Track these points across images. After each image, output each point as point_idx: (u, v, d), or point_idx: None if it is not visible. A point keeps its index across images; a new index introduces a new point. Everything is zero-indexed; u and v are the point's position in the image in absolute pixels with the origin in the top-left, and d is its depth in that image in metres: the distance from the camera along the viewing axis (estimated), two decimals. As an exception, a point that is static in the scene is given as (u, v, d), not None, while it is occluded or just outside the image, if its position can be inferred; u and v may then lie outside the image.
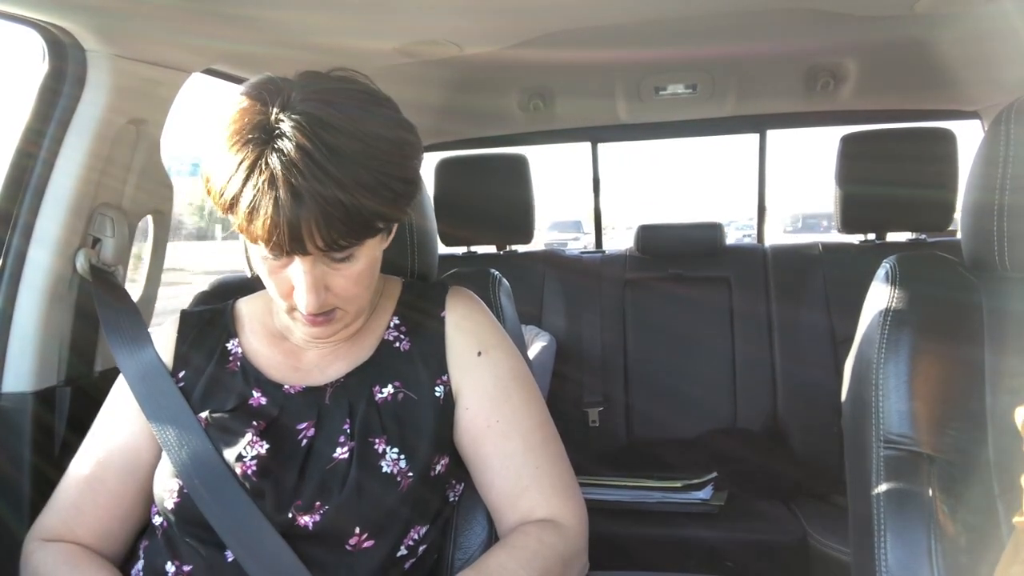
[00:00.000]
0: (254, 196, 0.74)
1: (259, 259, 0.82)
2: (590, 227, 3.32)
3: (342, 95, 0.79)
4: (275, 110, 0.76)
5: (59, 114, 1.14)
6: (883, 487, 0.92)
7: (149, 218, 1.34)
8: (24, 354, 1.14)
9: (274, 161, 0.74)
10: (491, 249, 2.45)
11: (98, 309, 1.09)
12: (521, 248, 2.47)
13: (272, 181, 0.74)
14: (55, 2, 1.03)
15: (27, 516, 1.07)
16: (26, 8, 1.03)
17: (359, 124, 0.77)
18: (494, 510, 0.93)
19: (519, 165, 2.29)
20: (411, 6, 1.30)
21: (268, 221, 0.74)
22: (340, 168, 0.74)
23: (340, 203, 0.74)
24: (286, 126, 0.74)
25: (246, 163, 0.75)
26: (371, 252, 0.85)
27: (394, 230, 0.91)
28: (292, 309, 0.85)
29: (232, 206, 0.77)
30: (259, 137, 0.75)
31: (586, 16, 1.44)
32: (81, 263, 1.17)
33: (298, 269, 0.80)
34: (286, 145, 0.74)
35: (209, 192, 0.79)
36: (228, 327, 0.98)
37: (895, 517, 0.91)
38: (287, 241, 0.75)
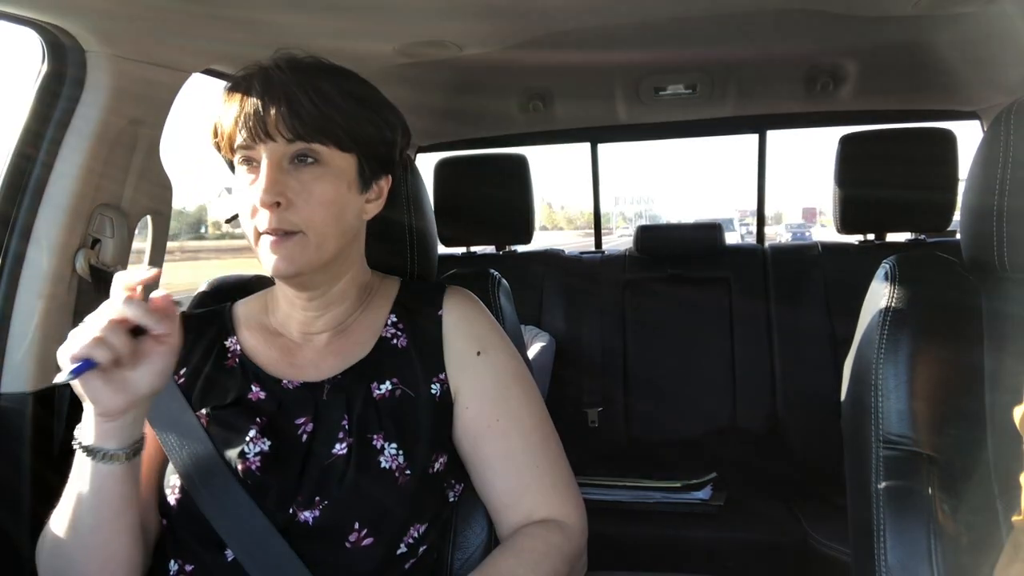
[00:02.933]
0: (235, 97, 0.85)
1: (237, 191, 0.88)
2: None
3: (337, 70, 0.90)
4: (271, 60, 0.87)
5: (58, 115, 1.14)
6: (883, 487, 0.92)
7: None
8: (23, 354, 1.14)
9: (260, 72, 0.86)
10: (490, 249, 2.45)
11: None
12: (520, 248, 2.47)
13: (249, 80, 0.85)
14: (55, 3, 1.03)
15: (26, 516, 1.07)
16: (26, 8, 1.03)
17: (347, 85, 0.88)
18: (494, 510, 0.93)
19: (519, 165, 2.29)
20: (411, 7, 1.30)
21: (239, 109, 0.84)
22: (317, 82, 0.85)
23: (309, 100, 0.83)
24: (281, 58, 0.87)
25: (238, 81, 0.87)
26: (338, 177, 0.87)
27: (373, 200, 0.94)
28: (259, 235, 0.86)
29: (217, 129, 0.88)
30: (254, 67, 0.87)
31: (586, 17, 1.44)
32: (80, 264, 1.17)
33: (262, 170, 0.84)
34: (274, 65, 0.86)
35: (212, 137, 0.90)
36: (226, 325, 0.98)
37: (895, 517, 0.91)
38: (254, 127, 0.83)
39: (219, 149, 0.90)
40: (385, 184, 0.95)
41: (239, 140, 0.85)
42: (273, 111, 0.83)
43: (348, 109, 0.86)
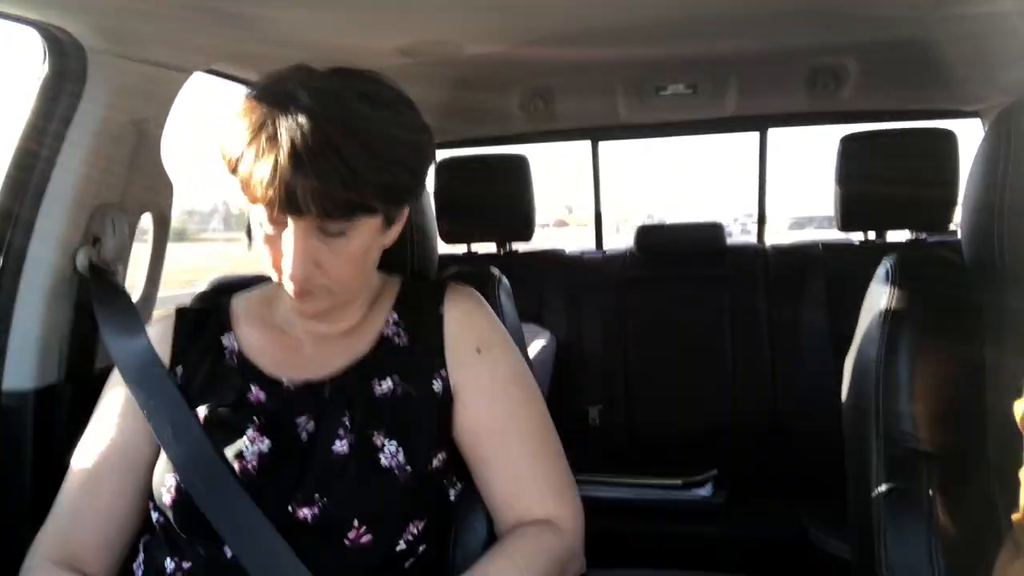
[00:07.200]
0: (256, 154, 0.77)
1: (257, 226, 0.84)
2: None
3: (369, 89, 0.83)
4: (294, 85, 0.80)
5: (60, 114, 1.14)
6: (883, 485, 0.93)
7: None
8: (25, 351, 1.14)
9: (282, 123, 0.76)
10: (491, 249, 2.46)
11: (95, 306, 1.09)
12: (521, 247, 2.47)
13: (274, 140, 0.76)
14: (56, 2, 1.03)
15: (29, 513, 1.07)
16: (26, 8, 1.03)
17: (380, 114, 0.81)
18: (491, 509, 0.94)
19: (519, 164, 2.29)
20: (412, 6, 1.30)
21: (266, 179, 0.76)
22: (348, 141, 0.76)
23: (340, 174, 0.76)
24: (302, 94, 0.78)
25: (255, 122, 0.78)
26: (367, 235, 0.84)
27: (395, 228, 0.91)
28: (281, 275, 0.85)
29: (237, 165, 0.79)
30: (273, 101, 0.78)
31: (588, 15, 1.44)
32: (81, 261, 1.17)
33: (290, 238, 0.81)
34: (297, 111, 0.77)
35: (222, 156, 0.82)
36: (224, 322, 0.98)
37: (895, 515, 0.91)
38: (284, 202, 0.77)
39: (229, 170, 0.83)
40: (407, 207, 0.92)
41: (261, 211, 0.81)
42: (300, 189, 0.76)
43: (380, 177, 0.80)
